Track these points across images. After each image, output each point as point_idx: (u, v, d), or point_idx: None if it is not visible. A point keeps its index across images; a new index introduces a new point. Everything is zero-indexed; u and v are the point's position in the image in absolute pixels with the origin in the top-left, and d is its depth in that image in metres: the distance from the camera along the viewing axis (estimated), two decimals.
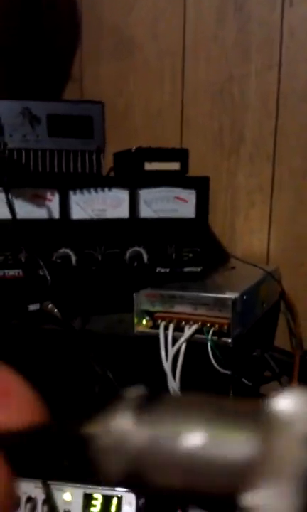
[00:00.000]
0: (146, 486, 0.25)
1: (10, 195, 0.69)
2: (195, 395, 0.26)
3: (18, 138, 0.71)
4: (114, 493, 0.52)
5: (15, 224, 0.70)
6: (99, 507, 0.52)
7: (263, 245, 1.01)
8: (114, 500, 0.52)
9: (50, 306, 0.73)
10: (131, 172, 0.78)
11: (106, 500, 0.52)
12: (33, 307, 0.74)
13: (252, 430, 0.24)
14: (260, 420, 0.24)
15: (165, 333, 0.68)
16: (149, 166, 0.77)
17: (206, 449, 0.25)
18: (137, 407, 0.26)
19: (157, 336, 0.68)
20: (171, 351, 0.68)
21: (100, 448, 0.25)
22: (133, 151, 0.77)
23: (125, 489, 0.52)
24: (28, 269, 0.72)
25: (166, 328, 0.69)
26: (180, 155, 0.78)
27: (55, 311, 0.72)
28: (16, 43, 1.10)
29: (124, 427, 0.25)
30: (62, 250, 0.74)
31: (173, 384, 0.71)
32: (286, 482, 0.23)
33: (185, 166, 0.78)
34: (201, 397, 0.26)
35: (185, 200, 0.77)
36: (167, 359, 0.68)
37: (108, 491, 0.52)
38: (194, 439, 0.25)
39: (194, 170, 0.81)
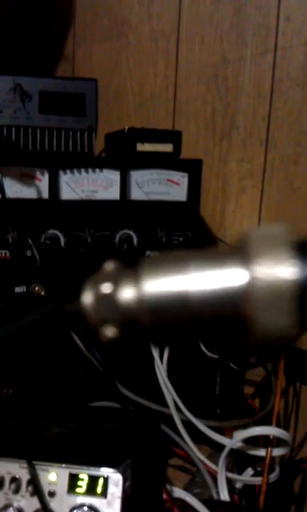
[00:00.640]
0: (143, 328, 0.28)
1: None
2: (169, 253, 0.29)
3: (8, 114, 0.69)
4: (100, 473, 0.52)
5: (3, 203, 0.69)
6: (84, 487, 0.51)
7: None
8: (100, 481, 0.51)
9: (36, 288, 0.72)
10: (122, 153, 0.77)
11: (92, 480, 0.52)
12: (19, 289, 0.73)
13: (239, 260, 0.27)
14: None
15: None
16: (141, 147, 0.75)
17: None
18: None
19: None
20: None
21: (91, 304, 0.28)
22: (125, 131, 0.76)
23: (112, 469, 0.52)
24: (16, 250, 0.71)
25: None
26: (173, 137, 0.77)
27: (42, 293, 0.71)
28: (10, 21, 1.08)
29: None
30: (51, 231, 0.73)
31: (161, 367, 0.70)
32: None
33: (177, 148, 0.77)
34: (174, 253, 0.29)
35: (177, 183, 0.76)
36: None
37: (94, 472, 0.52)
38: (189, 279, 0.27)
39: (185, 154, 0.80)
